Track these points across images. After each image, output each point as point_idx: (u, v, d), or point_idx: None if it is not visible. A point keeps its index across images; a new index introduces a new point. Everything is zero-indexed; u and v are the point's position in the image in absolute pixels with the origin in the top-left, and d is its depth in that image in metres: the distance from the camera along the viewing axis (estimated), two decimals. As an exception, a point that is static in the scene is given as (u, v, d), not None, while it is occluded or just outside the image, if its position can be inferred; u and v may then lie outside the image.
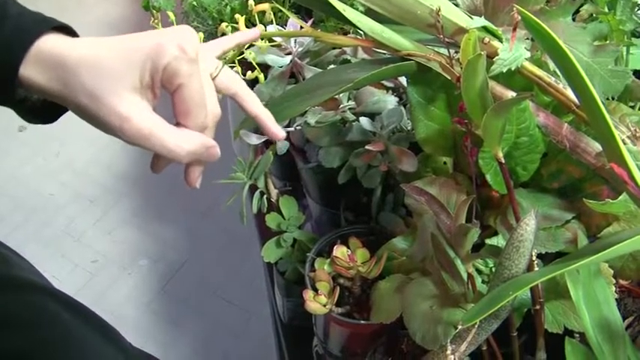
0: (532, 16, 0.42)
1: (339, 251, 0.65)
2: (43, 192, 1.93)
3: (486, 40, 0.54)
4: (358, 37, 0.66)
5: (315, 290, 0.65)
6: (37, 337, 0.57)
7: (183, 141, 0.47)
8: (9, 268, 0.61)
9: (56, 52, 0.44)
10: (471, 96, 0.46)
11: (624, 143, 0.51)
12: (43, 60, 0.43)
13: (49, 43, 0.44)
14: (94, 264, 1.74)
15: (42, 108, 0.50)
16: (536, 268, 0.50)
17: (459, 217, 0.49)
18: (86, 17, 2.51)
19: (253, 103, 0.54)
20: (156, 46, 0.44)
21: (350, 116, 0.70)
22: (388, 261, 0.64)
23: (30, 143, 2.04)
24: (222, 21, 0.83)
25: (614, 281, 0.51)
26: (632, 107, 0.65)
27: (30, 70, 0.44)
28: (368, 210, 0.75)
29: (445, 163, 0.68)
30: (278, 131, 0.55)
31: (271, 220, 0.78)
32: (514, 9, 0.47)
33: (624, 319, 0.57)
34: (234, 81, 0.53)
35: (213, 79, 0.51)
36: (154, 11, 1.01)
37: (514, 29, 0.48)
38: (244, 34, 0.58)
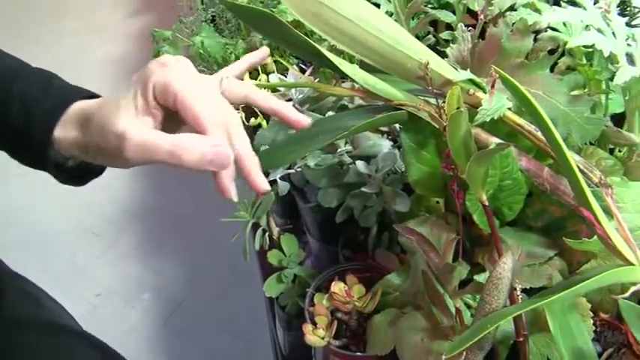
0: (506, 75, 0.46)
1: (337, 287, 0.68)
2: (47, 224, 1.95)
3: (471, 91, 0.58)
4: (354, 85, 0.70)
5: (314, 324, 0.68)
6: None
7: (181, 141, 0.46)
8: (42, 311, 0.66)
9: (78, 109, 0.51)
10: (455, 145, 0.51)
11: (597, 186, 0.55)
12: (70, 119, 0.51)
13: (76, 106, 0.52)
14: (97, 297, 1.75)
15: (74, 173, 0.59)
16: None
17: (446, 256, 0.53)
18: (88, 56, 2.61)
19: (266, 100, 0.54)
20: (141, 71, 0.49)
21: (347, 159, 0.73)
22: (383, 296, 0.67)
23: (35, 175, 2.07)
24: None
25: (591, 314, 0.54)
26: (612, 150, 0.70)
27: (59, 131, 0.51)
28: (365, 247, 0.78)
29: (437, 202, 0.72)
30: (302, 119, 0.54)
31: (273, 257, 0.81)
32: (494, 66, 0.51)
33: (604, 350, 0.60)
34: (241, 85, 0.54)
35: (222, 92, 0.53)
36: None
37: (492, 86, 0.53)
38: (255, 54, 0.60)
